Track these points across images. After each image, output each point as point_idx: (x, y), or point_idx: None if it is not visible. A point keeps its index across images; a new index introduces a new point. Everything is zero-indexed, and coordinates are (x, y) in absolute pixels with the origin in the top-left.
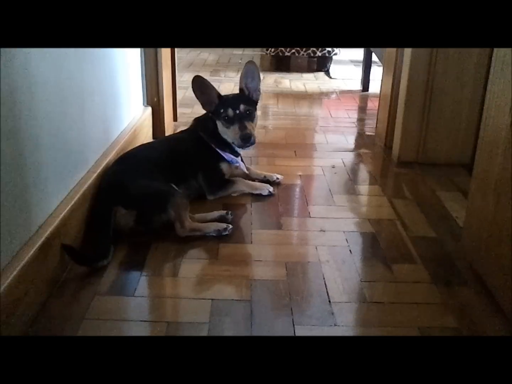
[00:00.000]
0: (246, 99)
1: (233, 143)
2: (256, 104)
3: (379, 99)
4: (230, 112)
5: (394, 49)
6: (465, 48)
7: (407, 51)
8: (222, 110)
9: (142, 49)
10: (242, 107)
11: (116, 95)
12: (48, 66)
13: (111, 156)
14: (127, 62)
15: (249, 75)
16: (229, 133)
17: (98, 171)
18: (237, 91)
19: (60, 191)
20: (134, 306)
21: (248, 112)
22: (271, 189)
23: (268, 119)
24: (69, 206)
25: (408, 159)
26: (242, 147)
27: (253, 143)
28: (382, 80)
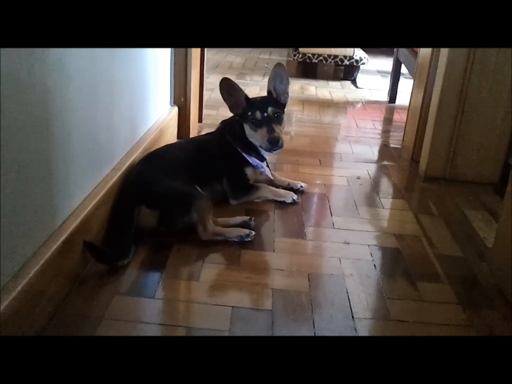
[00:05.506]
0: (274, 102)
1: (260, 146)
2: (284, 107)
3: (408, 111)
4: (258, 114)
5: (427, 61)
6: (503, 60)
7: (441, 63)
8: (249, 113)
9: (173, 48)
10: (270, 109)
11: (144, 94)
12: (82, 62)
13: (136, 154)
14: (157, 61)
15: (278, 77)
16: (256, 136)
17: (123, 168)
18: (262, 94)
19: (85, 187)
20: (153, 309)
21: (276, 115)
22: (295, 197)
23: (292, 125)
24: (93, 203)
25: (436, 174)
26: (269, 150)
27: (281, 147)
28: (412, 92)
